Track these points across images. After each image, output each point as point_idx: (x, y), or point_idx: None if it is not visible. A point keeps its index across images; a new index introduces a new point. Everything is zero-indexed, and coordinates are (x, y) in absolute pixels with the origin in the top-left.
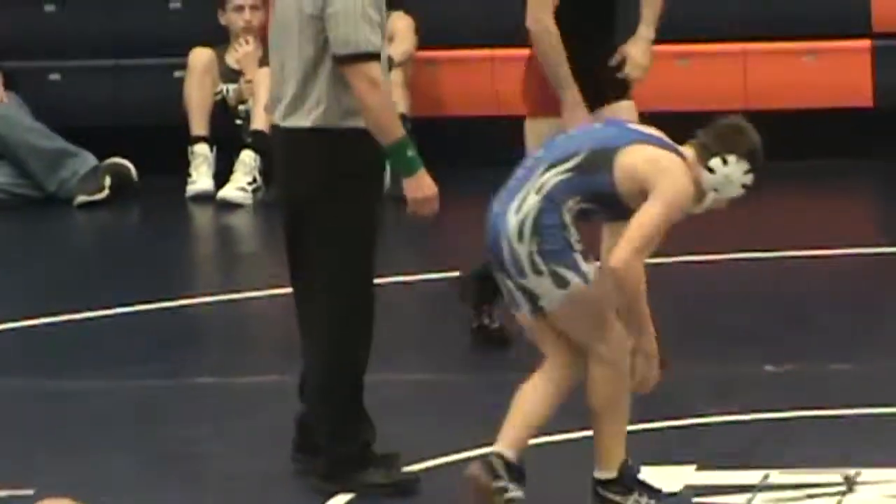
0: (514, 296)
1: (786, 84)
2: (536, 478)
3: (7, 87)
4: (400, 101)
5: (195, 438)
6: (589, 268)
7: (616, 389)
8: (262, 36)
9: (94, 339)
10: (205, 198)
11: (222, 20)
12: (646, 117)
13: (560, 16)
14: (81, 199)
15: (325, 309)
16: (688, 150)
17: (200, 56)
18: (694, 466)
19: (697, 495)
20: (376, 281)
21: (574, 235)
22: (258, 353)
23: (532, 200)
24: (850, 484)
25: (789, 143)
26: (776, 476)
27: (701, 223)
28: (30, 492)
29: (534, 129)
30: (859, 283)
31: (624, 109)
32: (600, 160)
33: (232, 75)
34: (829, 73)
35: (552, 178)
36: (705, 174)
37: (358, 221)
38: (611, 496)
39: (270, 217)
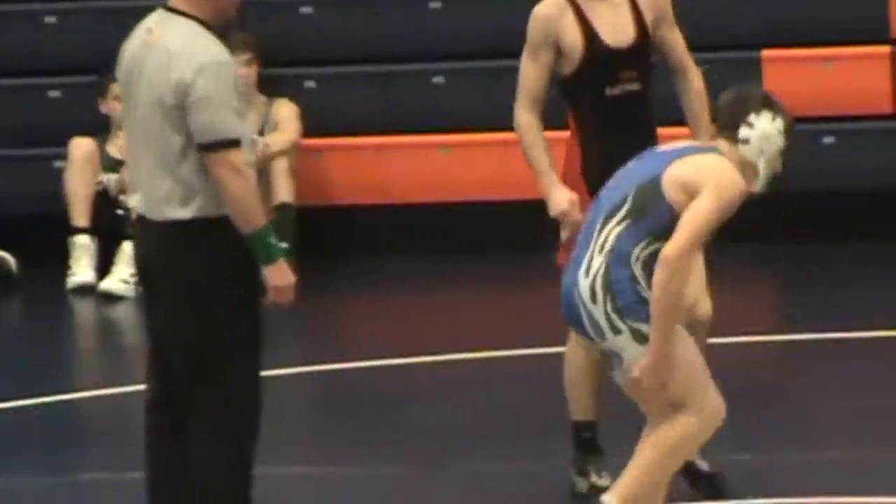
0: (609, 358)
1: (804, 91)
2: None
3: None
4: (284, 190)
5: None
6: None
7: (684, 449)
8: None
9: None
10: (86, 290)
11: (103, 108)
12: None
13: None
14: None
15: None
16: (718, 143)
17: (81, 146)
18: None
19: None
20: (264, 373)
21: (646, 288)
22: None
23: (598, 260)
24: None
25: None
26: None
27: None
28: None
29: None
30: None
31: None
32: (650, 194)
33: (114, 165)
34: (849, 80)
35: (611, 231)
36: (744, 149)
37: (247, 310)
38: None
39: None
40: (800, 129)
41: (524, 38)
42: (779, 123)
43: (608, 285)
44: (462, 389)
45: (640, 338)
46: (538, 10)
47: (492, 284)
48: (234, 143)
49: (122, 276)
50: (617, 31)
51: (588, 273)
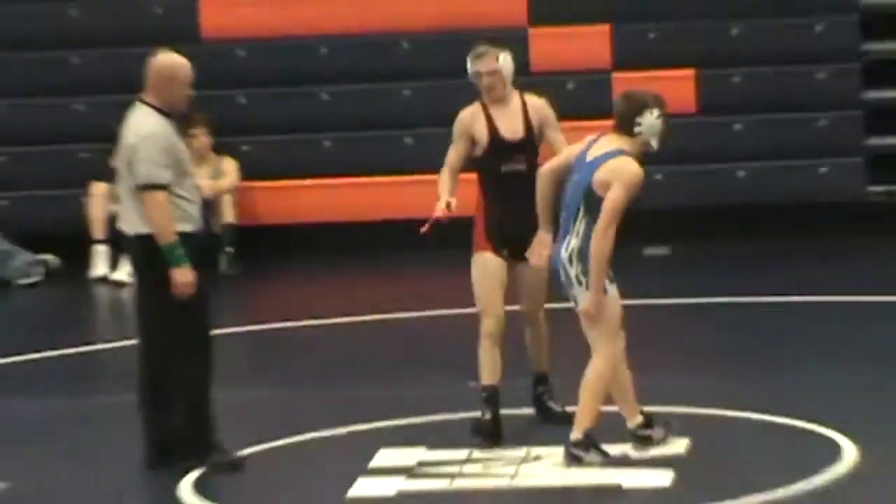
0: (574, 300)
1: None
2: None
3: None
4: (229, 214)
5: None
6: (610, 287)
7: (604, 379)
8: None
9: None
10: (102, 279)
11: (113, 164)
12: None
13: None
14: (21, 281)
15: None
16: (621, 142)
17: (98, 187)
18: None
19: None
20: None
21: None
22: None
23: (574, 242)
24: (528, 457)
25: None
26: (478, 453)
27: None
28: None
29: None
30: None
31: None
32: (591, 198)
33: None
34: None
35: (580, 225)
36: (638, 137)
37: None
38: (574, 451)
39: None
40: None
41: (389, 117)
42: (656, 113)
43: (580, 257)
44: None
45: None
46: (461, 114)
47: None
48: (155, 187)
49: (127, 270)
50: (511, 129)
51: (566, 250)
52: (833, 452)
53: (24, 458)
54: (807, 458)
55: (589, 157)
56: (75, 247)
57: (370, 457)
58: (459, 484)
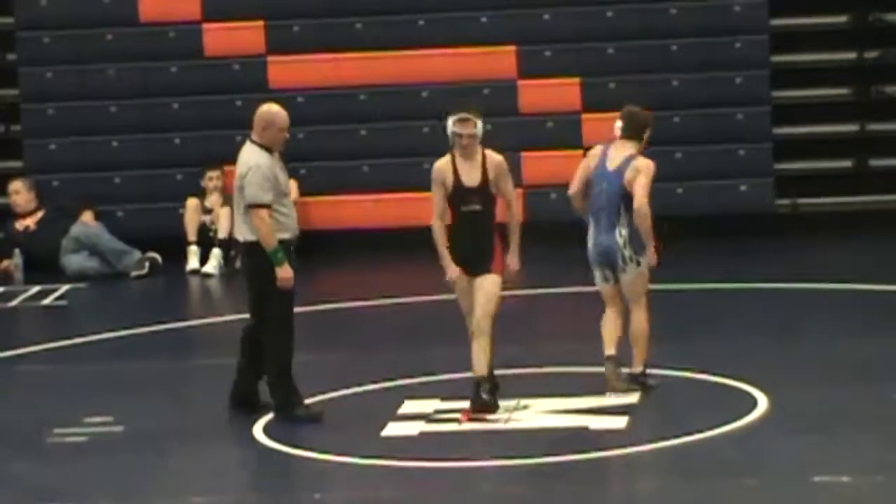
0: (605, 275)
1: None
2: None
3: (97, 217)
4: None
5: None
6: (644, 261)
7: (645, 325)
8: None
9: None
10: (195, 272)
11: (202, 183)
12: None
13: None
14: (134, 273)
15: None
16: (630, 147)
17: (191, 201)
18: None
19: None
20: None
21: (637, 238)
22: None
23: (624, 232)
24: (519, 406)
25: None
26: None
27: None
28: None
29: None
30: None
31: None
32: (626, 196)
33: (207, 211)
34: None
35: (624, 218)
36: (642, 144)
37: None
38: (642, 379)
39: (230, 282)
40: None
41: (412, 148)
42: (651, 121)
43: (631, 242)
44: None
45: (638, 265)
46: (437, 164)
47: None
48: (260, 206)
49: (213, 265)
50: (470, 178)
51: (621, 236)
52: (750, 403)
53: (137, 406)
54: (729, 407)
55: (611, 168)
56: (173, 247)
57: (398, 406)
58: (465, 427)
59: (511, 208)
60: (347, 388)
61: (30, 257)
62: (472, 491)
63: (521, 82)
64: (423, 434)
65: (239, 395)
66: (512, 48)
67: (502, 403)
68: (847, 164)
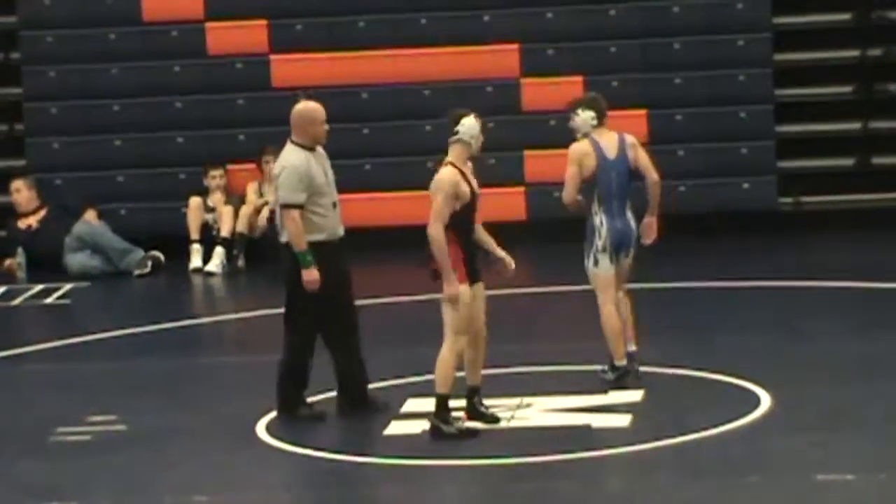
0: (619, 259)
1: None
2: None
3: (99, 216)
4: None
5: None
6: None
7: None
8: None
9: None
10: (197, 270)
11: (204, 182)
12: None
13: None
14: (136, 272)
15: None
16: (609, 129)
17: (194, 200)
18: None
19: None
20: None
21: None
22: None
23: (631, 215)
24: (522, 404)
25: None
26: (483, 401)
27: None
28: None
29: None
30: None
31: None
32: (634, 178)
33: (210, 210)
34: None
35: (629, 199)
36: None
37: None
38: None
39: (233, 280)
40: None
41: (414, 146)
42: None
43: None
44: None
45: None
46: (449, 176)
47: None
48: (292, 206)
49: (215, 263)
50: (474, 184)
51: (633, 219)
52: (753, 401)
53: (140, 405)
54: (732, 405)
55: (612, 156)
56: (176, 246)
57: (401, 405)
58: (468, 425)
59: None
60: None
61: (32, 256)
62: (475, 489)
63: (523, 81)
64: (425, 433)
65: (288, 393)
66: (515, 46)
67: (505, 402)
68: (850, 162)
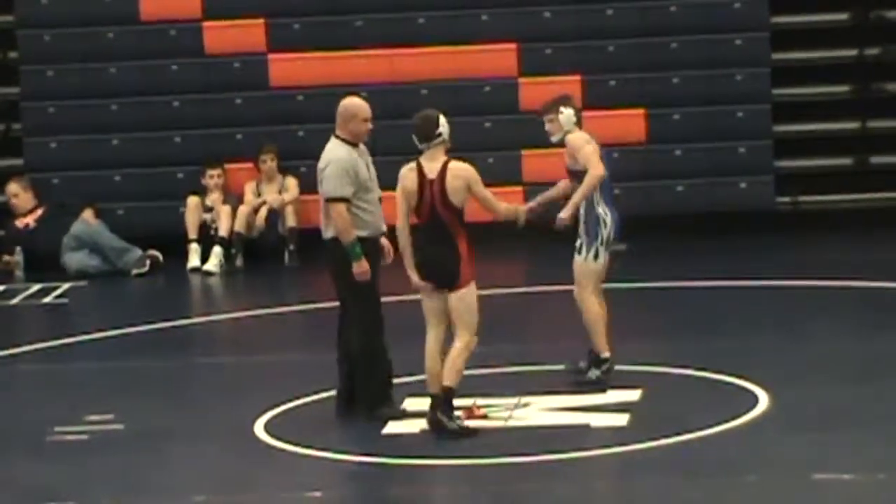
0: (616, 250)
1: None
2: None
3: (97, 215)
4: (292, 220)
5: None
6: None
7: None
8: (224, 190)
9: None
10: (195, 269)
11: (202, 181)
12: None
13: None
14: (134, 271)
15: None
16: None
17: (192, 199)
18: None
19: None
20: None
21: None
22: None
23: None
24: (520, 404)
25: None
26: (480, 401)
27: None
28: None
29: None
30: None
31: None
32: None
33: (208, 209)
34: None
35: None
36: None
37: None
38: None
39: (231, 280)
40: None
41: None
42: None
43: None
44: None
45: None
46: (472, 170)
47: None
48: (339, 200)
49: (214, 263)
50: None
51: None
52: (751, 401)
53: (137, 404)
54: (730, 405)
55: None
56: (174, 245)
57: (400, 404)
58: (467, 424)
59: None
60: None
61: (30, 255)
62: (473, 488)
63: (521, 80)
64: (424, 432)
65: (344, 391)
66: (512, 46)
67: (503, 401)
68: (848, 161)
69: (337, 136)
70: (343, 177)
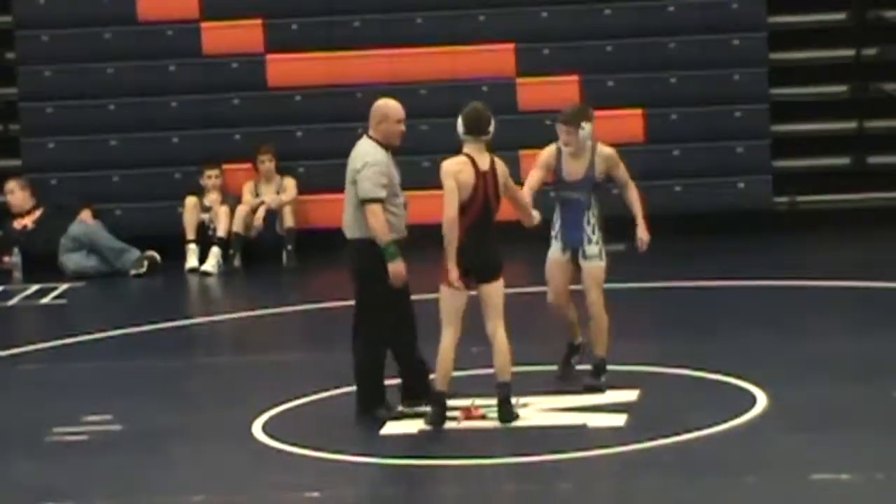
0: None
1: None
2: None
3: (95, 216)
4: (290, 220)
5: None
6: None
7: None
8: (222, 191)
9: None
10: (194, 270)
11: (201, 181)
12: None
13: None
14: (133, 272)
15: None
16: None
17: (190, 199)
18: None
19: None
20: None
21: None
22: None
23: None
24: (518, 404)
25: None
26: (478, 402)
27: None
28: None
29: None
30: None
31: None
32: None
33: (206, 210)
34: None
35: None
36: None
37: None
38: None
39: (229, 280)
40: None
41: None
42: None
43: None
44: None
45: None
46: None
47: None
48: (373, 201)
49: (211, 263)
50: None
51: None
52: (749, 401)
53: (135, 405)
54: (728, 405)
55: None
56: (172, 246)
57: (397, 405)
58: (465, 425)
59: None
60: (347, 386)
61: (28, 256)
62: (471, 489)
63: (519, 80)
64: (421, 432)
65: (406, 391)
66: (510, 46)
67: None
68: (845, 161)
69: (370, 137)
70: (379, 178)
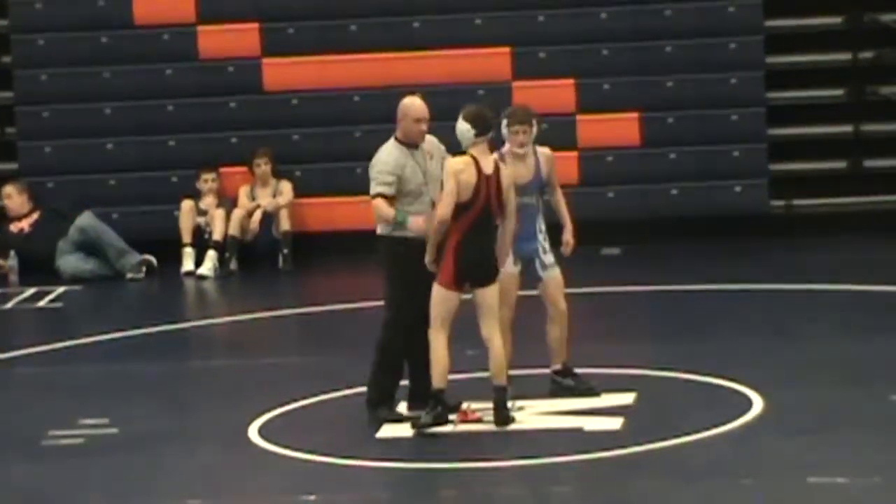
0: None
1: None
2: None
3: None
4: (286, 223)
5: None
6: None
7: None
8: (220, 195)
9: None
10: (190, 274)
11: (198, 185)
12: None
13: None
14: (130, 276)
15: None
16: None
17: (186, 203)
18: None
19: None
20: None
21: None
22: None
23: None
24: (514, 407)
25: None
26: (475, 405)
27: None
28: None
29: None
30: None
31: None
32: None
33: (202, 213)
34: None
35: None
36: None
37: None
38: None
39: (225, 284)
40: None
41: None
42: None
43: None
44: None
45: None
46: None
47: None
48: (378, 196)
49: (208, 267)
50: None
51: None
52: (745, 404)
53: (132, 408)
54: (724, 408)
55: None
56: (169, 249)
57: (394, 407)
58: (461, 427)
59: None
60: (343, 389)
61: (25, 259)
62: (467, 492)
63: (515, 84)
64: (418, 436)
65: (414, 393)
66: (506, 50)
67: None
68: (842, 165)
69: (395, 137)
70: (385, 177)
